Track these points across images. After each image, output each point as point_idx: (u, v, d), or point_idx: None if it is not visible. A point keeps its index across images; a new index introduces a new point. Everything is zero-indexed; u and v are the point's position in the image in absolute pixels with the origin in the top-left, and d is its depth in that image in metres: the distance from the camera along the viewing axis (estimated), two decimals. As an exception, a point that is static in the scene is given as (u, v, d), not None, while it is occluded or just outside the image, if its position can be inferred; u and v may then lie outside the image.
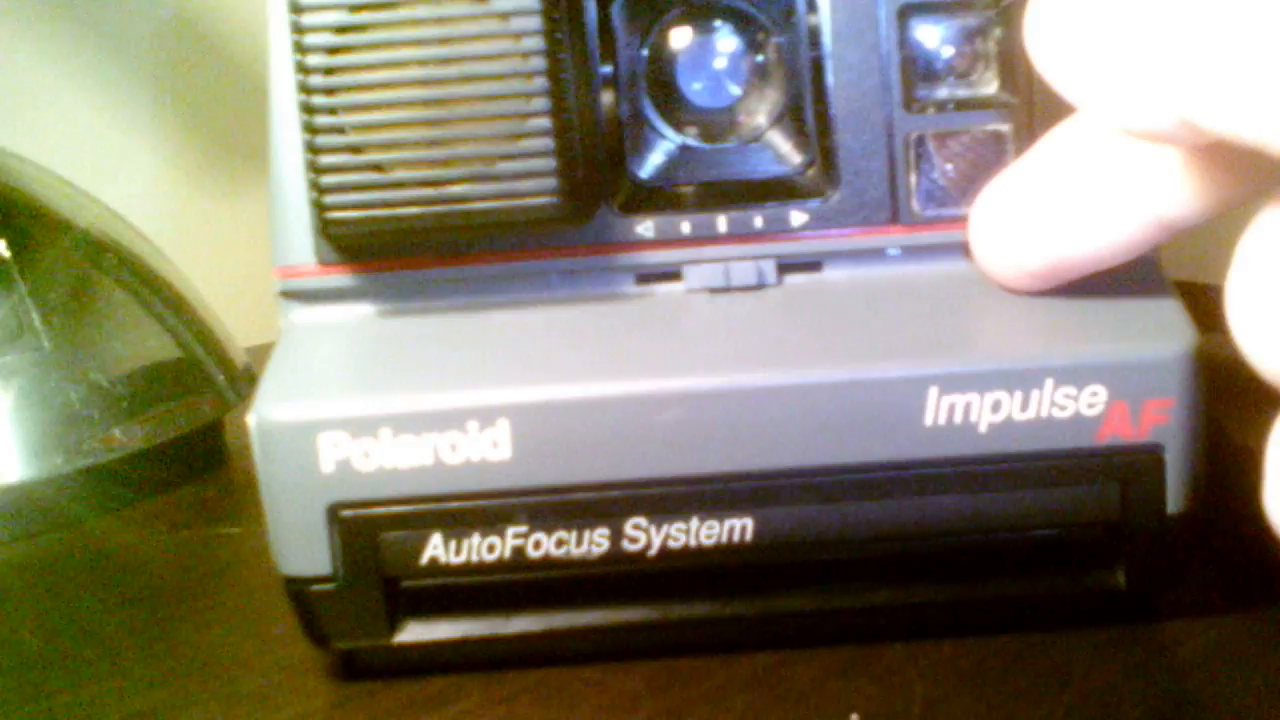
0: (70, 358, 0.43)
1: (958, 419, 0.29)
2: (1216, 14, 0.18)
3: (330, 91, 0.30)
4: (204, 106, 0.65)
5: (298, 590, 0.30)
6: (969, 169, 0.32)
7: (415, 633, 0.30)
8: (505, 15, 0.29)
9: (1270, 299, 0.19)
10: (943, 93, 0.32)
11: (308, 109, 0.30)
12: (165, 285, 0.48)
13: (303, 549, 0.29)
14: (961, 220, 0.31)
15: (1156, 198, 0.23)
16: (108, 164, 0.63)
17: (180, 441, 0.44)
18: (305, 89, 0.30)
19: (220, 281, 0.53)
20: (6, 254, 0.44)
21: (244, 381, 0.48)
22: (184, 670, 0.33)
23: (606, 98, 0.32)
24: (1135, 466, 0.29)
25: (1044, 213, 0.25)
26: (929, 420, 0.29)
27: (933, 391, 0.28)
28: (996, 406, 0.29)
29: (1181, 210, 0.23)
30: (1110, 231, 0.23)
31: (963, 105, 0.32)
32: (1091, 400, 0.29)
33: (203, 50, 0.64)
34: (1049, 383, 0.28)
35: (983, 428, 0.29)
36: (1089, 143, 0.24)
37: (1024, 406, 0.29)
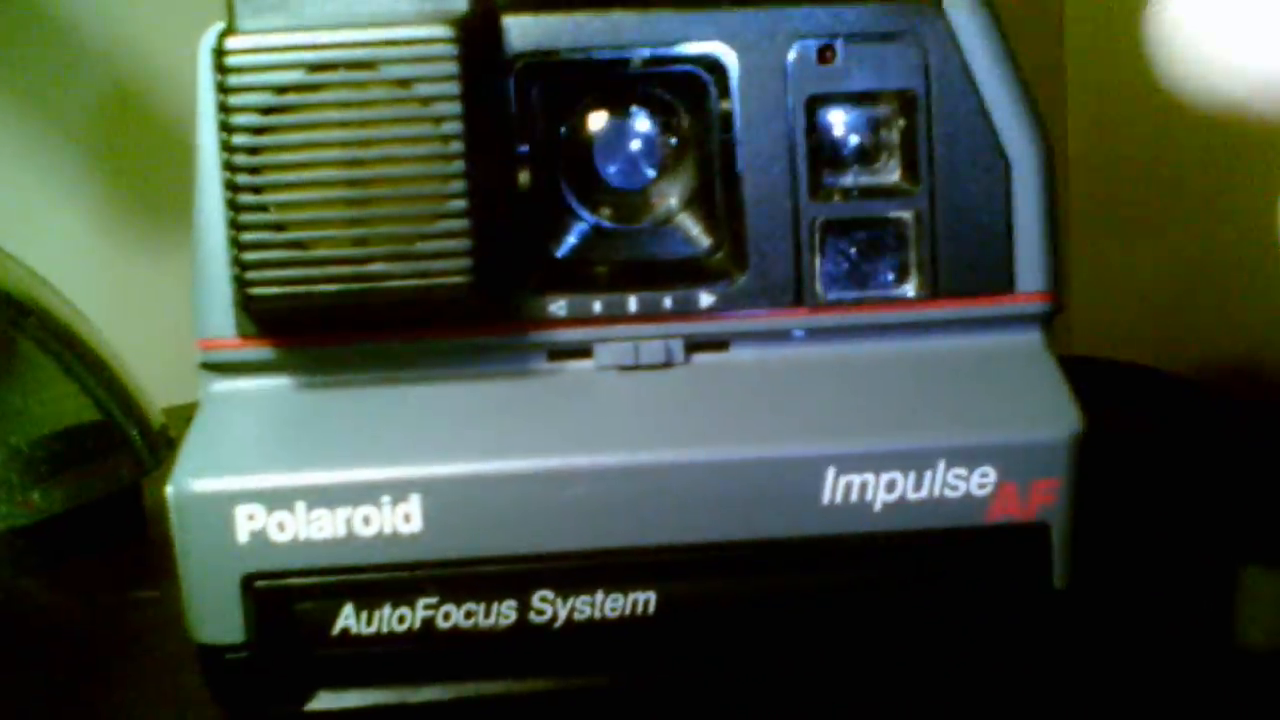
0: (-9, 421, 0.43)
1: (854, 498, 0.30)
2: None
3: (254, 170, 0.30)
4: (129, 165, 0.66)
5: (211, 658, 0.30)
6: (870, 254, 0.33)
7: (326, 702, 0.31)
8: (426, 100, 0.30)
9: None
10: (847, 180, 0.33)
11: (232, 186, 0.30)
12: (86, 348, 0.48)
13: (217, 618, 0.30)
14: (862, 303, 0.32)
15: None
16: (29, 220, 0.63)
17: (99, 505, 0.45)
18: (230, 167, 0.30)
19: (141, 341, 0.53)
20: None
21: (162, 445, 0.48)
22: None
23: (523, 176, 0.33)
24: (1023, 544, 0.30)
25: None
26: (826, 499, 0.30)
27: (830, 471, 0.30)
28: (891, 486, 0.30)
29: None
30: None
31: (866, 193, 0.33)
32: (981, 481, 0.30)
33: (130, 111, 0.65)
34: (941, 464, 0.30)
35: (878, 506, 0.30)
36: None
37: (917, 486, 0.30)
